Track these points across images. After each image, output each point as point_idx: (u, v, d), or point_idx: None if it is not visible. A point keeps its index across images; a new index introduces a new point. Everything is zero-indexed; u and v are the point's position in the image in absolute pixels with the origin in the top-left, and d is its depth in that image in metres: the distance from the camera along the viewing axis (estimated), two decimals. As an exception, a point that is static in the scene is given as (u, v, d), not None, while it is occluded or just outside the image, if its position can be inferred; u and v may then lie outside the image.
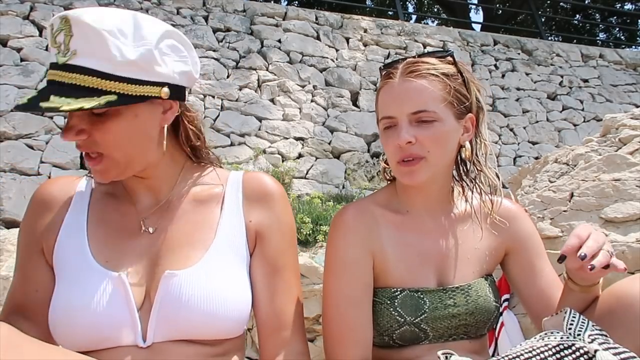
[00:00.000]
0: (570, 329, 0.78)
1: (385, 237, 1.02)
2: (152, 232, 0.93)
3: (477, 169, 1.07)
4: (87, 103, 0.77)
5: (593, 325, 0.79)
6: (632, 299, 0.83)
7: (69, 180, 1.01)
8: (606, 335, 0.78)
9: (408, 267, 1.01)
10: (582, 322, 0.79)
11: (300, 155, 5.29)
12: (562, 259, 0.85)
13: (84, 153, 0.88)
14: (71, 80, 0.80)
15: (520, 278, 1.08)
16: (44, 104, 0.78)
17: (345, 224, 1.02)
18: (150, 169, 0.94)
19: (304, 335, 0.96)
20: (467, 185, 1.09)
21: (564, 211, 1.81)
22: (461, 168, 1.09)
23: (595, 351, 0.70)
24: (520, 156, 6.22)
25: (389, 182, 1.14)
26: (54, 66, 0.82)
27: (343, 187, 5.14)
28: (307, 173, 5.16)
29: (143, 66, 0.83)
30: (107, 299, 0.82)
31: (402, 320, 0.96)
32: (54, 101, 0.78)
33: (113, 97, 0.80)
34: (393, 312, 0.97)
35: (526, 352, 0.73)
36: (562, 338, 0.75)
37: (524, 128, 6.54)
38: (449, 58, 1.04)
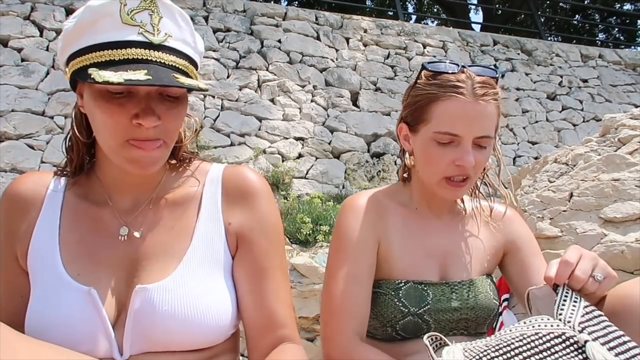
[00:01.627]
0: (560, 314, 0.78)
1: (392, 227, 1.06)
2: (128, 239, 0.88)
3: (487, 179, 1.13)
4: (198, 85, 0.79)
5: (585, 307, 0.79)
6: (634, 300, 0.84)
7: (39, 178, 0.95)
8: (599, 316, 0.78)
9: (412, 260, 1.04)
10: (574, 305, 0.79)
11: (300, 155, 5.29)
12: (555, 288, 0.84)
13: (128, 140, 0.81)
14: (172, 62, 0.81)
15: (518, 277, 1.11)
16: (180, 82, 0.77)
17: (356, 206, 1.06)
18: None
19: (296, 333, 0.94)
20: (471, 193, 1.15)
21: (564, 211, 1.82)
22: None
23: (585, 342, 0.70)
24: (519, 156, 6.23)
25: (403, 181, 1.16)
26: (144, 45, 0.79)
27: (343, 187, 5.15)
28: (307, 173, 5.16)
29: (200, 59, 0.88)
30: (79, 316, 0.80)
31: (406, 310, 0.99)
32: (182, 81, 0.78)
33: (201, 83, 0.81)
34: (397, 303, 0.99)
35: (517, 341, 0.74)
36: (552, 326, 0.75)
37: (524, 128, 6.55)
38: (498, 78, 1.05)
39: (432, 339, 0.78)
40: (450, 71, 1.01)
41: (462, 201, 1.16)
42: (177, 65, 0.82)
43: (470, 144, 0.98)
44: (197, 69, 0.90)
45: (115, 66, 0.77)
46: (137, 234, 0.89)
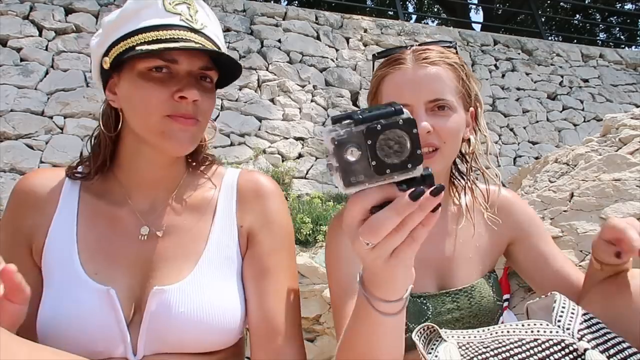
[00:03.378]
0: (559, 321, 0.77)
1: None
2: (147, 239, 0.89)
3: (474, 164, 1.05)
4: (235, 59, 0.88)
5: (584, 314, 0.78)
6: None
7: (53, 174, 0.95)
8: (597, 323, 0.77)
9: None
10: (572, 313, 0.78)
11: (300, 155, 5.29)
12: (619, 254, 0.81)
13: (167, 117, 0.85)
14: (209, 46, 0.87)
15: (531, 265, 1.05)
16: (223, 51, 0.88)
17: (339, 224, 1.01)
18: (178, 159, 0.95)
19: (298, 342, 0.90)
20: (464, 180, 1.06)
21: (564, 211, 1.81)
22: (459, 163, 1.07)
23: (585, 350, 0.69)
24: (520, 156, 6.22)
25: None
26: (187, 29, 0.86)
27: (343, 187, 5.14)
28: (307, 173, 5.15)
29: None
30: (96, 314, 0.80)
31: (405, 328, 0.95)
32: (224, 51, 0.88)
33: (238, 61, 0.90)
34: None
35: (516, 346, 0.73)
36: (551, 332, 0.74)
37: (524, 128, 6.54)
38: (453, 49, 1.02)
39: (421, 332, 0.77)
40: (396, 52, 1.00)
41: (456, 195, 1.07)
42: (213, 49, 0.88)
43: (423, 110, 0.93)
44: None
45: (160, 43, 0.83)
46: (159, 233, 0.90)
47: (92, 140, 0.96)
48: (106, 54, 0.87)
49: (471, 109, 1.02)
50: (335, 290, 0.97)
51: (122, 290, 0.84)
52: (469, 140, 1.03)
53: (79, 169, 0.96)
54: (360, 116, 0.51)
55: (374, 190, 0.52)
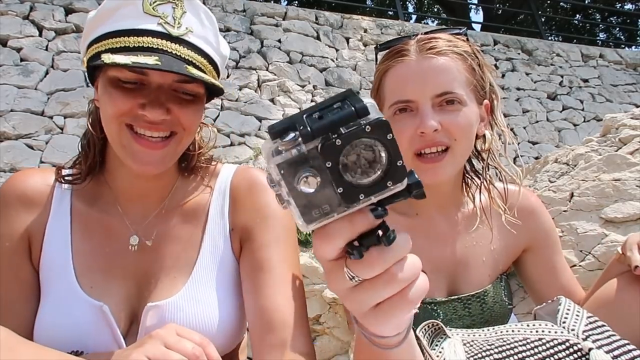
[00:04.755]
0: (564, 322, 0.77)
1: None
2: (138, 249, 0.87)
3: (491, 161, 0.95)
4: (211, 80, 0.79)
5: (588, 317, 0.78)
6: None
7: (42, 177, 0.91)
8: (602, 326, 0.77)
9: None
10: (577, 315, 0.78)
11: (300, 155, 5.29)
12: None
13: (131, 132, 0.79)
14: (188, 56, 0.79)
15: (540, 277, 1.00)
16: (190, 72, 0.76)
17: None
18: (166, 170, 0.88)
19: (303, 335, 0.83)
20: (481, 179, 0.97)
21: (564, 211, 1.81)
22: (474, 161, 0.98)
23: (590, 349, 0.69)
24: (520, 156, 6.21)
25: None
26: (162, 36, 0.78)
27: (343, 187, 5.14)
28: (307, 173, 5.15)
29: (222, 63, 0.88)
30: (92, 330, 0.79)
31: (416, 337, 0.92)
32: (194, 72, 0.76)
33: (216, 82, 0.81)
34: None
35: (520, 345, 0.73)
36: (556, 332, 0.74)
37: (524, 128, 6.53)
38: (463, 36, 0.93)
39: (425, 328, 0.77)
40: (399, 43, 0.91)
41: (470, 194, 0.99)
42: (192, 60, 0.80)
43: (429, 106, 0.84)
44: (217, 71, 0.88)
45: (128, 52, 0.76)
46: (148, 243, 0.87)
47: (83, 140, 0.94)
48: (86, 52, 0.84)
49: (485, 101, 0.94)
50: None
51: (117, 304, 0.82)
52: (484, 136, 0.94)
53: (68, 171, 0.92)
54: (309, 126, 0.37)
55: (344, 224, 0.40)
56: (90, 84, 0.94)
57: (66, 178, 0.91)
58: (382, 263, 0.41)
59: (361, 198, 0.39)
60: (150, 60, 0.73)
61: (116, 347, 0.79)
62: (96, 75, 0.84)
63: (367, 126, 0.37)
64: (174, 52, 0.78)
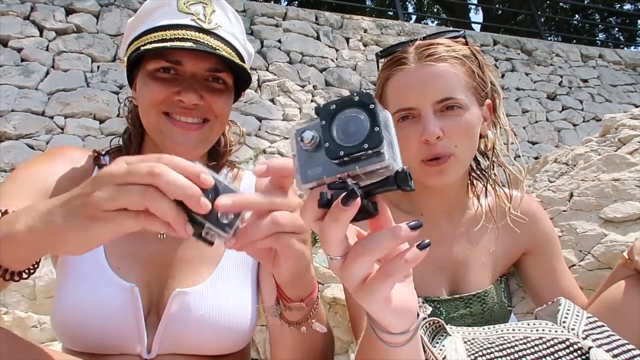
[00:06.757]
0: (564, 322, 0.78)
1: None
2: (167, 238, 0.89)
3: (495, 162, 0.96)
4: (242, 64, 0.87)
5: (588, 317, 0.79)
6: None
7: (88, 155, 0.96)
8: (602, 326, 0.77)
9: (422, 276, 0.92)
10: (577, 315, 0.79)
11: (300, 155, 5.29)
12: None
13: (174, 119, 0.86)
14: (217, 47, 0.87)
15: (541, 280, 1.02)
16: (222, 54, 0.85)
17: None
18: (199, 160, 0.94)
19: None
20: (484, 180, 0.98)
21: (564, 211, 1.81)
22: (479, 162, 1.00)
23: (590, 348, 0.70)
24: (519, 156, 6.21)
25: None
26: (195, 29, 0.87)
27: (343, 187, 5.14)
28: (307, 173, 5.15)
29: (249, 59, 0.97)
30: (117, 309, 0.81)
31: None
32: (225, 55, 0.85)
33: (246, 66, 0.89)
34: None
35: (521, 343, 0.73)
36: (556, 331, 0.74)
37: (524, 128, 6.54)
38: (462, 39, 0.94)
39: (426, 326, 0.77)
40: (399, 49, 0.92)
41: (475, 195, 1.00)
42: (220, 51, 0.87)
43: (431, 113, 0.85)
44: (243, 62, 0.95)
45: (166, 42, 0.85)
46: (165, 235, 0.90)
47: (124, 135, 1.00)
48: (126, 53, 0.92)
49: (487, 101, 0.95)
50: (347, 293, 0.94)
51: (141, 288, 0.84)
52: (487, 136, 0.96)
53: (106, 158, 0.97)
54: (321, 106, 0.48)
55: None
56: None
57: (103, 164, 0.95)
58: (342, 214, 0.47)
59: (341, 155, 0.45)
60: (186, 44, 0.83)
61: (136, 329, 0.81)
62: (134, 75, 0.92)
63: (357, 97, 0.46)
64: (206, 43, 0.86)
